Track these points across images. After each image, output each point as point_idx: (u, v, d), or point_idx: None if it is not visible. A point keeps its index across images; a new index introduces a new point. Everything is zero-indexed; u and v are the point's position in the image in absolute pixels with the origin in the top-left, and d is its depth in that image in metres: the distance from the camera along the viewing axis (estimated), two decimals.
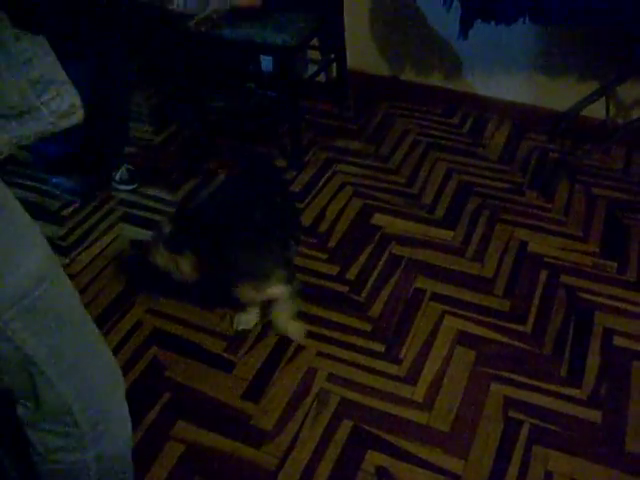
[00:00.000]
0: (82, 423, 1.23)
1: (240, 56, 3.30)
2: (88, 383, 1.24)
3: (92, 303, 2.28)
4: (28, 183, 2.90)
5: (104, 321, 2.21)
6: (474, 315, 2.15)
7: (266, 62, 3.36)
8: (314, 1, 2.72)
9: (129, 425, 1.36)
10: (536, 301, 2.19)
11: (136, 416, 1.87)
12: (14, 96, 0.90)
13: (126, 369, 2.04)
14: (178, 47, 2.95)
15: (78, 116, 0.99)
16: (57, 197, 2.79)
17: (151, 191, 2.78)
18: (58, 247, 2.52)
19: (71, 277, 2.34)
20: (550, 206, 2.58)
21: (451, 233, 2.47)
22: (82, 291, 2.32)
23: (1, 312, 1.01)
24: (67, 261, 2.46)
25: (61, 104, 0.96)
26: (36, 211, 2.72)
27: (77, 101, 0.98)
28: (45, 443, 1.25)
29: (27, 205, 2.79)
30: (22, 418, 1.23)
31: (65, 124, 0.98)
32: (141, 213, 2.67)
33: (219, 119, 3.22)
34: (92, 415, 1.24)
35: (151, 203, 2.72)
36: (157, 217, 2.62)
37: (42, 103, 0.94)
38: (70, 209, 2.72)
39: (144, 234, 2.54)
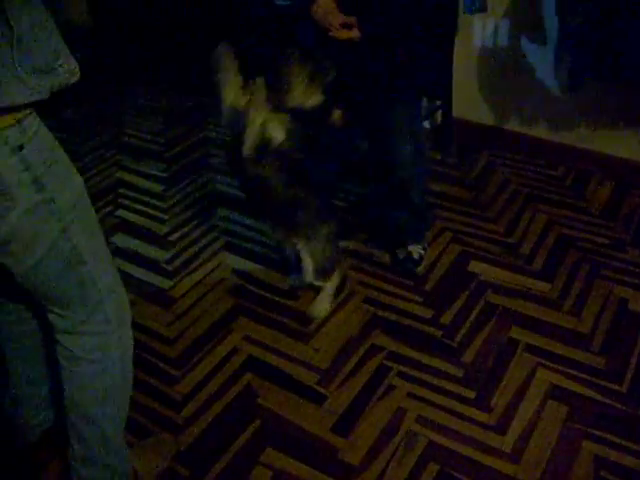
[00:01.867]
0: (112, 320, 1.55)
1: None
2: (115, 286, 1.56)
3: (192, 327, 2.37)
4: (139, 207, 3.06)
5: (202, 345, 2.30)
6: (568, 370, 2.12)
7: None
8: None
9: (132, 336, 1.66)
10: (634, 361, 2.13)
11: (227, 439, 1.96)
12: (48, 58, 1.25)
13: (220, 393, 2.12)
14: None
15: (78, 76, 1.34)
16: (165, 222, 2.93)
17: (255, 223, 2.87)
18: (163, 270, 2.65)
19: (173, 300, 2.48)
20: None
21: (548, 285, 2.45)
22: (183, 314, 2.43)
23: (65, 214, 1.36)
24: (171, 284, 2.58)
25: (70, 66, 1.31)
26: (145, 234, 2.87)
27: (77, 65, 1.33)
28: (82, 345, 1.54)
29: (137, 228, 2.94)
30: (60, 328, 1.52)
31: (73, 80, 1.33)
32: (243, 243, 2.77)
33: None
34: (118, 315, 1.56)
35: (253, 235, 2.82)
36: (260, 249, 2.73)
37: (60, 65, 1.28)
38: (177, 234, 2.85)
39: (245, 264, 2.65)
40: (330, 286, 2.41)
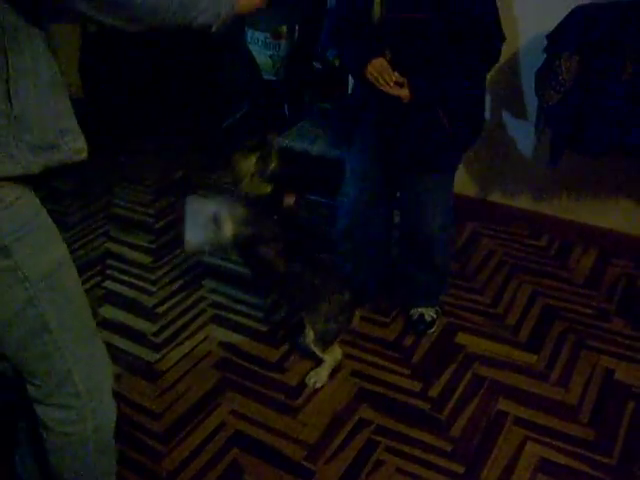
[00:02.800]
0: (82, 393, 1.53)
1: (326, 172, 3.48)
2: (87, 357, 1.55)
3: (179, 400, 2.35)
4: (126, 279, 3.06)
5: (189, 419, 2.27)
6: (557, 442, 2.11)
7: None
8: None
9: (115, 407, 1.66)
10: (622, 432, 2.14)
11: None
12: (50, 136, 1.32)
13: (207, 469, 2.09)
14: None
15: (85, 155, 1.41)
16: (153, 294, 2.93)
17: (242, 296, 2.89)
18: (150, 343, 2.64)
19: (160, 373, 2.46)
20: (638, 335, 2.55)
21: (535, 356, 2.46)
22: (170, 388, 2.40)
23: (36, 283, 1.38)
24: (158, 357, 2.56)
25: (75, 145, 1.38)
26: (132, 306, 2.86)
27: (85, 145, 1.41)
28: (52, 417, 1.54)
29: (124, 299, 2.95)
30: (32, 396, 1.53)
31: (77, 159, 1.39)
32: (231, 316, 2.77)
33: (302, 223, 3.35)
34: (90, 387, 1.55)
35: (241, 307, 2.82)
36: (248, 322, 2.73)
37: (65, 143, 1.35)
38: (165, 306, 2.85)
39: (232, 336, 2.64)
40: (329, 358, 2.40)
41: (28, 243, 1.36)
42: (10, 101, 1.24)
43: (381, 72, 2.22)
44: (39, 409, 1.54)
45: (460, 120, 2.35)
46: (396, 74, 2.22)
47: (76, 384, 1.52)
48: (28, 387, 1.52)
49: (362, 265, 2.65)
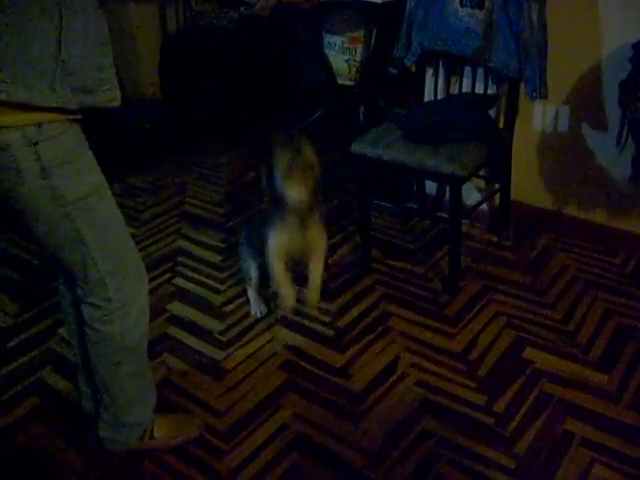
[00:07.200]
0: (113, 300, 1.86)
1: (408, 178, 3.47)
2: (120, 274, 1.86)
3: (241, 400, 2.37)
4: (196, 276, 3.11)
5: (250, 420, 2.28)
6: (627, 468, 2.03)
7: (430, 185, 3.47)
8: (486, 133, 2.81)
9: (147, 318, 2.00)
10: None
11: None
12: (88, 82, 1.62)
13: (266, 470, 2.10)
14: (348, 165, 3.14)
15: (117, 103, 1.70)
16: (221, 292, 2.97)
17: None
18: (217, 341, 2.67)
19: (225, 372, 2.49)
20: None
21: (606, 377, 2.38)
22: (234, 387, 2.43)
23: (72, 202, 1.69)
24: (224, 355, 2.59)
25: (110, 94, 1.68)
26: (200, 303, 2.91)
27: (118, 96, 1.70)
28: (88, 313, 1.89)
29: (193, 297, 2.99)
30: (77, 294, 1.89)
31: (111, 105, 1.69)
32: (297, 319, 2.78)
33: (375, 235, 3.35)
34: (120, 298, 1.87)
35: (307, 310, 2.82)
36: (314, 325, 2.74)
37: (102, 90, 1.65)
38: (232, 305, 2.88)
39: (298, 339, 2.66)
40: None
41: (66, 169, 1.67)
42: (60, 50, 1.52)
43: None
44: (82, 305, 1.90)
45: None
46: None
47: (108, 291, 1.84)
48: (76, 288, 1.88)
49: None
